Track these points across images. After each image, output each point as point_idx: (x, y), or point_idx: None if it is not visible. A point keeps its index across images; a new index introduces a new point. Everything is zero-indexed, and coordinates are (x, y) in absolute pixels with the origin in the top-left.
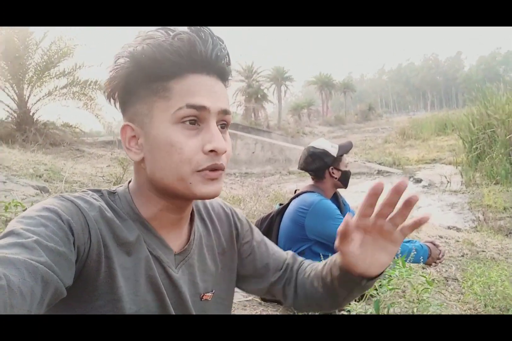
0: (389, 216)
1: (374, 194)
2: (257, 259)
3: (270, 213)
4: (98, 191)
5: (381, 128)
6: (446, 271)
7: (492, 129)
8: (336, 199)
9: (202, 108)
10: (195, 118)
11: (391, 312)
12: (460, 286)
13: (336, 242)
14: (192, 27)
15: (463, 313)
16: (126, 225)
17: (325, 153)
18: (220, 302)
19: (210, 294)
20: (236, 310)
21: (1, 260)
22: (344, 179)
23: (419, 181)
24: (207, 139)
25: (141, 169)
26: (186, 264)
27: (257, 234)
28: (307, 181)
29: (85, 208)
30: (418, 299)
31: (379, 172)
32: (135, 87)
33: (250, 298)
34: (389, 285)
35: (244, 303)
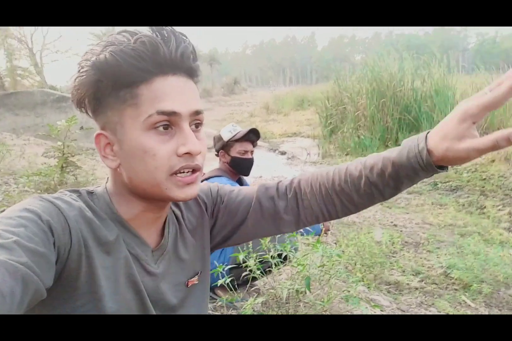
0: None
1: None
2: (227, 216)
3: None
4: (76, 191)
5: (246, 102)
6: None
7: (343, 106)
8: (239, 180)
9: (173, 113)
10: (167, 123)
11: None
12: (332, 248)
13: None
14: (154, 27)
15: (338, 270)
16: (105, 224)
17: (218, 137)
18: (205, 281)
19: (196, 277)
20: None
21: None
22: (235, 165)
23: (283, 153)
24: (180, 142)
25: (118, 174)
26: (165, 258)
27: (224, 190)
28: None
29: (65, 208)
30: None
31: None
32: (103, 96)
33: None
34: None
35: None
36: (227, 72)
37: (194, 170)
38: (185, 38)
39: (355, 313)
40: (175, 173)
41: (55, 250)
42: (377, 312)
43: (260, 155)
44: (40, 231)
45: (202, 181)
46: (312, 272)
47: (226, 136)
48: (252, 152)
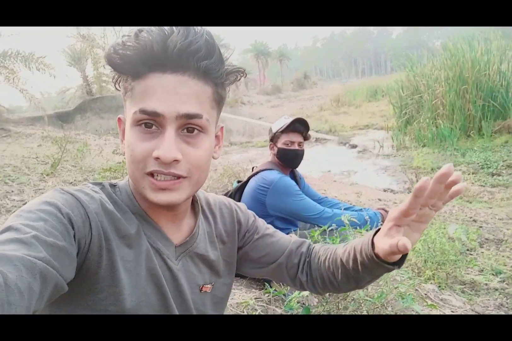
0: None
1: (419, 195)
2: (258, 248)
3: (229, 191)
4: (99, 184)
5: (316, 96)
6: None
7: (419, 95)
8: (293, 173)
9: (154, 114)
10: (150, 122)
11: None
12: None
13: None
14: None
15: (405, 269)
16: (127, 217)
17: (270, 129)
18: (218, 295)
19: (210, 286)
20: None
21: None
22: (280, 156)
23: (354, 146)
24: (157, 145)
25: None
26: (187, 256)
27: (262, 224)
28: (250, 151)
29: (86, 200)
30: None
31: (317, 140)
32: (118, 85)
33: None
34: None
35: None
36: (298, 67)
37: (178, 177)
38: (195, 36)
39: (407, 312)
40: (150, 174)
41: (75, 243)
42: (434, 312)
43: (330, 149)
44: (60, 224)
45: (255, 174)
46: None
47: (274, 128)
48: (300, 143)
